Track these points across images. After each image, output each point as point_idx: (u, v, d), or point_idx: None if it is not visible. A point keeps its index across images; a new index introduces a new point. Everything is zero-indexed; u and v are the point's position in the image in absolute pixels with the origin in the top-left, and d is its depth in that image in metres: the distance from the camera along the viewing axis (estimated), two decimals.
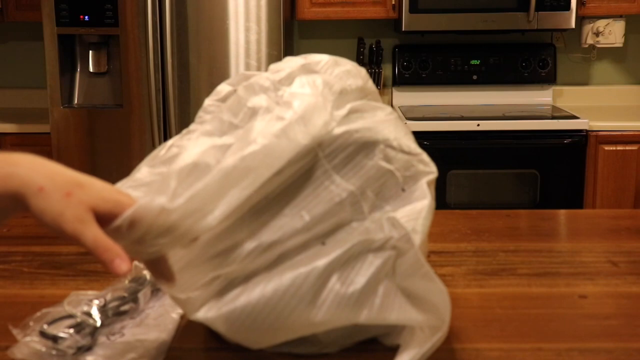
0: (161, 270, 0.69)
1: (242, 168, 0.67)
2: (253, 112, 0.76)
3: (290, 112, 0.71)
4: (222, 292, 0.72)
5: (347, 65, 0.83)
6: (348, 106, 0.77)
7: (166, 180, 0.67)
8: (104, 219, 0.63)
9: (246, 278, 0.71)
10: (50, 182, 0.61)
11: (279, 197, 0.72)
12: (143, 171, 0.79)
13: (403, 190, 0.77)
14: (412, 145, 0.80)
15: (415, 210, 0.74)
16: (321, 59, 0.82)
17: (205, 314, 0.71)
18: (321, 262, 0.69)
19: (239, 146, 0.69)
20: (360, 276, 0.70)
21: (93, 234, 0.61)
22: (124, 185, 0.77)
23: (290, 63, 0.82)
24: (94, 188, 0.63)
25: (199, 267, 0.71)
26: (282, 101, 0.74)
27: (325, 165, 0.73)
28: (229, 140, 0.72)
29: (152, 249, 0.66)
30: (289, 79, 0.79)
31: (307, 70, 0.81)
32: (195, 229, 0.66)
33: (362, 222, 0.74)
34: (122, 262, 0.61)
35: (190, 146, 0.72)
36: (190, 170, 0.68)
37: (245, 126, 0.74)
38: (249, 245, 0.71)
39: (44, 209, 0.60)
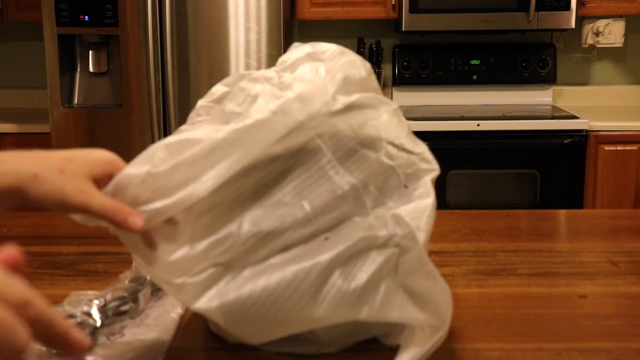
0: (146, 241, 0.69)
1: (233, 139, 0.68)
2: (255, 99, 0.76)
3: (290, 92, 0.72)
4: (222, 282, 0.71)
5: (352, 56, 0.83)
6: (356, 95, 0.77)
7: (152, 152, 0.67)
8: (102, 182, 0.66)
9: (247, 270, 0.71)
10: (41, 166, 0.62)
11: (279, 184, 0.72)
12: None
13: (406, 187, 0.77)
14: (414, 143, 0.80)
15: (419, 208, 0.74)
16: (328, 48, 0.82)
17: (205, 304, 0.71)
18: (324, 257, 0.69)
19: (234, 123, 0.69)
20: (363, 273, 0.70)
21: (99, 200, 0.63)
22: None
23: (297, 51, 0.83)
24: (83, 156, 0.66)
25: (196, 250, 0.71)
26: (284, 86, 0.75)
27: (329, 155, 0.73)
28: (230, 126, 0.72)
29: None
30: (292, 67, 0.79)
31: (312, 58, 0.81)
32: (186, 199, 0.66)
33: (365, 218, 0.74)
34: (135, 218, 0.64)
35: (189, 131, 0.72)
36: (181, 144, 0.68)
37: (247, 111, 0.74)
38: (248, 231, 0.70)
39: (45, 193, 0.62)
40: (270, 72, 0.80)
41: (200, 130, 0.72)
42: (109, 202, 0.64)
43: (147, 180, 0.66)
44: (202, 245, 0.71)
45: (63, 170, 0.63)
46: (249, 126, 0.69)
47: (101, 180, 0.66)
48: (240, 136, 0.68)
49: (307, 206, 0.71)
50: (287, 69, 0.79)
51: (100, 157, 0.67)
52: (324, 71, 0.77)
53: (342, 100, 0.76)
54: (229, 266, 0.71)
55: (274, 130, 0.69)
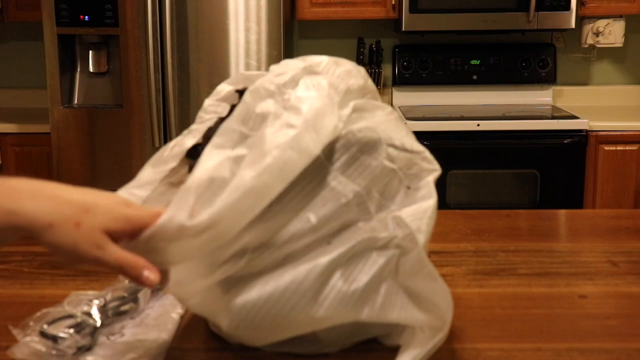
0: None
1: (261, 186, 0.67)
2: (262, 119, 0.74)
3: (300, 119, 0.71)
4: (224, 288, 0.72)
5: (347, 65, 0.83)
6: (351, 104, 0.77)
7: (184, 197, 0.66)
8: (117, 237, 0.64)
9: (249, 275, 0.71)
10: (58, 215, 0.61)
11: (285, 201, 0.72)
12: (147, 171, 0.79)
13: (408, 187, 0.77)
14: (414, 143, 0.80)
15: (420, 209, 0.74)
16: (321, 60, 0.82)
17: None
18: (323, 259, 0.69)
19: (253, 157, 0.68)
20: (363, 274, 0.70)
21: (114, 255, 0.62)
22: (129, 186, 0.77)
23: (291, 66, 0.82)
24: (101, 209, 0.63)
25: (205, 271, 0.71)
26: (289, 105, 0.74)
27: (330, 166, 0.73)
28: (242, 152, 0.71)
29: (161, 259, 0.66)
30: (293, 82, 0.78)
31: (310, 71, 0.80)
32: (212, 247, 0.66)
33: (368, 222, 0.74)
34: (150, 273, 0.63)
35: (203, 159, 0.71)
36: (207, 185, 0.67)
37: (256, 134, 0.73)
38: (256, 250, 0.71)
39: (58, 244, 0.61)
40: (271, 85, 0.77)
41: (215, 157, 0.71)
42: (123, 256, 0.63)
43: (182, 233, 0.64)
44: (212, 267, 0.71)
45: (79, 223, 0.61)
46: (272, 167, 0.67)
47: (118, 237, 0.64)
48: (266, 180, 0.67)
49: (313, 218, 0.71)
50: (287, 85, 0.78)
51: (120, 212, 0.64)
52: (327, 86, 0.76)
53: (346, 112, 0.76)
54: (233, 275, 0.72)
55: (292, 168, 0.68)
